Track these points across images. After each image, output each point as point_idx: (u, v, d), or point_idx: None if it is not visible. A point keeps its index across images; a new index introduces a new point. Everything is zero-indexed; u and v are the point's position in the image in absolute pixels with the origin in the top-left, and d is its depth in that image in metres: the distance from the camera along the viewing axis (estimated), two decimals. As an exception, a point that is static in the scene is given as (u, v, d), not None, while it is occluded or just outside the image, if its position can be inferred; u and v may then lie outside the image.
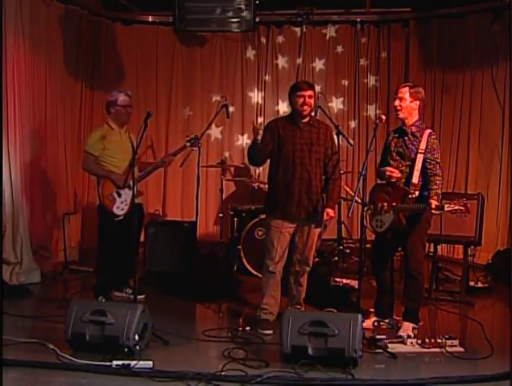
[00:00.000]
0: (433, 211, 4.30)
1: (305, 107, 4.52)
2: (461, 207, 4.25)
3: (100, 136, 5.13)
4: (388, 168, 4.48)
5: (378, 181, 4.74)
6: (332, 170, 4.63)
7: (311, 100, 4.53)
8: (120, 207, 5.09)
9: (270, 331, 4.40)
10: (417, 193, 4.41)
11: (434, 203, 4.26)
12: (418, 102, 4.47)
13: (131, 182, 4.95)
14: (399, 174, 4.44)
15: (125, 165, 5.07)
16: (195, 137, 5.70)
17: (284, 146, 4.51)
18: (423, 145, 4.39)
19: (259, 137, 4.42)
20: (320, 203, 4.57)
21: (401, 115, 4.50)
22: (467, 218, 5.42)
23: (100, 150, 5.09)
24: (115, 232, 5.10)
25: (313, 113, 7.18)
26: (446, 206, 4.27)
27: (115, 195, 5.08)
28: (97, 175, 5.15)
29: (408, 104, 4.45)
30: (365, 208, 4.50)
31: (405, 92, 4.46)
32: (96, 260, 5.43)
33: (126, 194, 5.06)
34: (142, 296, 5.19)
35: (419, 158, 4.38)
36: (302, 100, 4.49)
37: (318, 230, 4.69)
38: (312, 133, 4.59)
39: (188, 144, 5.59)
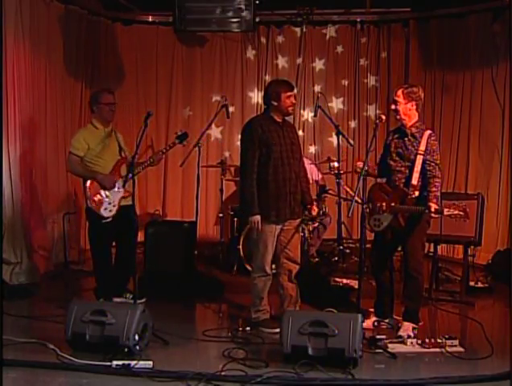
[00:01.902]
0: (432, 215, 4.30)
1: (293, 107, 4.56)
2: (461, 213, 4.24)
3: (84, 136, 5.00)
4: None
5: (378, 180, 4.75)
6: (303, 168, 4.74)
7: (295, 101, 4.60)
8: (108, 209, 4.91)
9: (277, 329, 4.15)
10: (416, 193, 4.41)
11: (433, 206, 4.25)
12: (414, 102, 4.46)
13: (120, 183, 4.90)
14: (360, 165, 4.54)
15: (112, 165, 4.97)
16: (183, 133, 5.39)
17: (273, 147, 4.46)
18: (422, 147, 4.39)
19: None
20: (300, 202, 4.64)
21: (398, 117, 4.52)
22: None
23: (85, 151, 4.94)
24: (106, 235, 5.00)
25: (312, 113, 7.24)
26: (445, 210, 4.27)
27: (102, 196, 4.91)
28: (83, 177, 5.00)
29: (403, 107, 4.45)
30: (365, 206, 4.49)
31: (399, 95, 4.47)
32: (92, 264, 5.30)
33: (114, 195, 4.92)
34: (143, 300, 5.18)
35: (419, 159, 4.38)
36: (291, 99, 4.50)
37: (300, 227, 4.74)
38: (290, 133, 4.61)
39: (177, 141, 5.32)
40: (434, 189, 4.34)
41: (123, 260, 5.17)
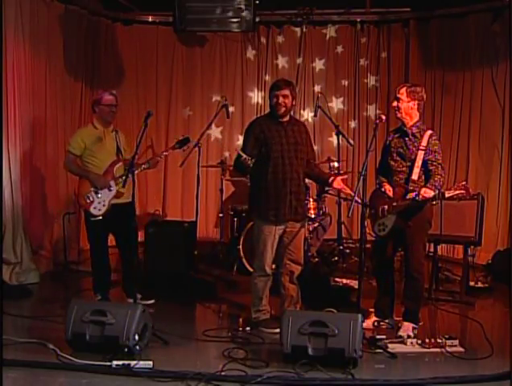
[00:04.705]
0: (424, 195, 4.24)
1: (278, 107, 4.47)
2: (462, 191, 4.18)
3: (82, 135, 5.09)
4: (386, 186, 4.52)
5: (378, 183, 4.72)
6: (313, 161, 4.73)
7: (286, 101, 4.45)
8: (97, 208, 4.98)
9: (277, 329, 4.11)
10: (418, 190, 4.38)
11: (425, 189, 4.25)
12: (416, 102, 4.44)
13: (113, 183, 4.99)
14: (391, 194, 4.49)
15: (107, 165, 5.04)
16: (185, 138, 5.45)
17: (273, 147, 4.44)
18: (424, 143, 4.38)
19: (244, 155, 4.30)
20: (304, 202, 4.61)
21: (399, 115, 4.49)
22: (467, 218, 5.44)
23: (81, 150, 5.03)
24: (99, 232, 5.07)
25: (312, 113, 7.23)
26: (446, 192, 4.21)
27: (93, 194, 4.99)
28: (77, 175, 5.13)
29: (406, 105, 4.44)
30: (367, 212, 4.42)
31: (402, 93, 4.44)
32: (90, 261, 5.36)
33: (105, 194, 4.99)
34: (152, 301, 5.19)
35: (420, 154, 4.37)
36: (275, 99, 4.47)
37: (303, 229, 4.70)
38: (295, 132, 4.58)
39: (177, 145, 5.36)
40: (432, 181, 4.32)
41: (125, 261, 5.23)
